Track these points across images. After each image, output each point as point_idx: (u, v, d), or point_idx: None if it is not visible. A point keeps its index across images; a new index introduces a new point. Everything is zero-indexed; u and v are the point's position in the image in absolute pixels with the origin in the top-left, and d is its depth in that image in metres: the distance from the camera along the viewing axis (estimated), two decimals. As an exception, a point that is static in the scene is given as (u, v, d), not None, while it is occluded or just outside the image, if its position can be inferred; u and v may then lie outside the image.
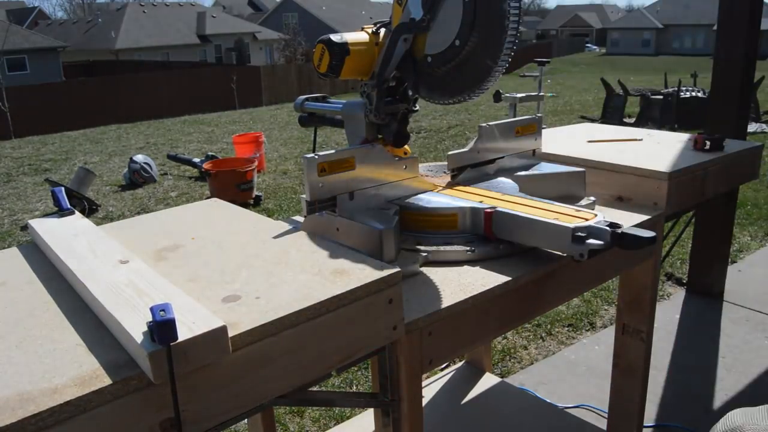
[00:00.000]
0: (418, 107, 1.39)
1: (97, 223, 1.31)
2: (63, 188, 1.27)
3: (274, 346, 0.84)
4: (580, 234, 1.13)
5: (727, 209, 3.39)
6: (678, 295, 3.53)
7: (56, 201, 1.23)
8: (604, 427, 2.05)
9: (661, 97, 9.26)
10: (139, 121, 13.67)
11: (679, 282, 3.68)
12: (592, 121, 9.44)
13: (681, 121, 8.68)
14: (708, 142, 1.81)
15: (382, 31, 1.33)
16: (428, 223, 1.31)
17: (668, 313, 3.28)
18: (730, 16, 3.15)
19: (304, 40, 32.35)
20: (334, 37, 1.30)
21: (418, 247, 1.27)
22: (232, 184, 5.85)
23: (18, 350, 0.78)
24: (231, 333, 0.78)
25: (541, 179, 1.55)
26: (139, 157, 7.25)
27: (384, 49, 1.28)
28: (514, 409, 2.20)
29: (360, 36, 1.33)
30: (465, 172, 1.52)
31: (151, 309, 0.71)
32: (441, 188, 1.46)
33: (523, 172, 1.57)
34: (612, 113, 9.53)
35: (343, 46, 1.28)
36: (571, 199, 1.50)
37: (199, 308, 0.79)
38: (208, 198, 4.35)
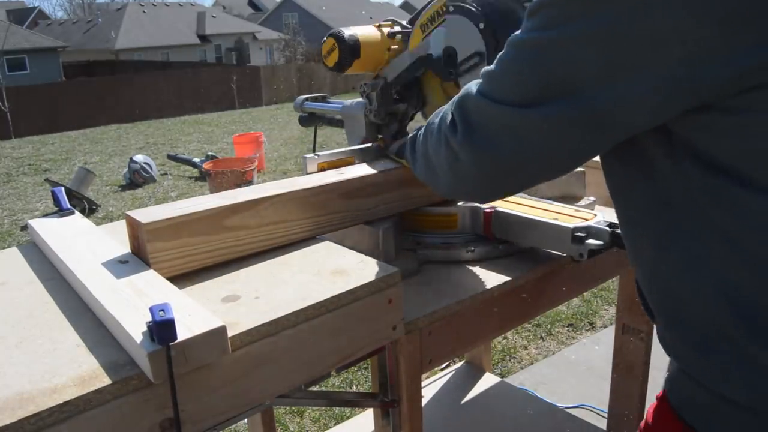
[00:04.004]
0: (418, 107, 1.39)
1: (97, 223, 1.31)
2: (63, 188, 1.27)
3: (273, 346, 0.84)
4: (579, 234, 1.13)
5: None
6: (678, 295, 3.52)
7: (56, 201, 1.22)
8: (604, 427, 2.05)
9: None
10: (139, 121, 13.68)
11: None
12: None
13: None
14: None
15: (398, 36, 1.30)
16: (428, 223, 1.31)
17: (668, 313, 3.28)
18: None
19: (304, 40, 32.32)
20: (347, 34, 1.28)
21: (418, 247, 1.27)
22: (232, 184, 5.85)
23: (18, 350, 0.78)
24: (230, 333, 0.78)
25: (540, 179, 1.55)
26: (139, 157, 7.26)
27: (401, 66, 1.27)
28: (514, 409, 2.20)
29: (373, 35, 1.31)
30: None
31: (151, 309, 0.71)
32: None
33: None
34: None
35: (355, 47, 1.27)
36: (571, 199, 1.50)
37: (198, 308, 0.79)
38: (208, 198, 4.34)
